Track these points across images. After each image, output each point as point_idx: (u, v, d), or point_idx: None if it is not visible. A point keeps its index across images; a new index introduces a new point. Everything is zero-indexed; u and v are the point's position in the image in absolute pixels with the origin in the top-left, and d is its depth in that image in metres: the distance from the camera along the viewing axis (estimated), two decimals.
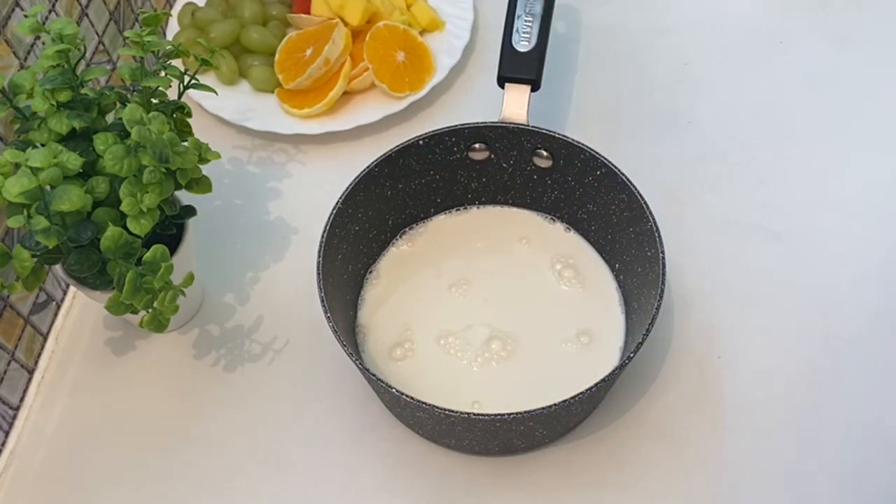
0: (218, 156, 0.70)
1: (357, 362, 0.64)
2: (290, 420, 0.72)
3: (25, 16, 0.66)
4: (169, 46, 0.70)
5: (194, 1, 0.94)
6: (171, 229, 0.70)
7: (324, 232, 0.69)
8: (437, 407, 0.61)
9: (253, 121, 0.86)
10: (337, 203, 0.70)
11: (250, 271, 0.80)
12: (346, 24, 0.89)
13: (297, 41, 0.88)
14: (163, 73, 0.70)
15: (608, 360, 0.71)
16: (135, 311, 0.64)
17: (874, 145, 0.84)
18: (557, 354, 0.72)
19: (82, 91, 0.67)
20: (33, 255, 0.63)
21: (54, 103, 0.65)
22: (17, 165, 0.60)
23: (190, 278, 0.67)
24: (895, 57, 0.90)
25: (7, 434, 0.72)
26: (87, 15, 0.81)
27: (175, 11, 0.94)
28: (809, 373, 0.72)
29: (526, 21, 0.78)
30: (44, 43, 0.74)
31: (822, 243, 0.79)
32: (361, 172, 0.72)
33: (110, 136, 0.64)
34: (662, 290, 0.65)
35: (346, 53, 0.87)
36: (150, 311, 0.64)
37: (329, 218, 0.70)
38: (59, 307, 0.78)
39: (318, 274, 0.67)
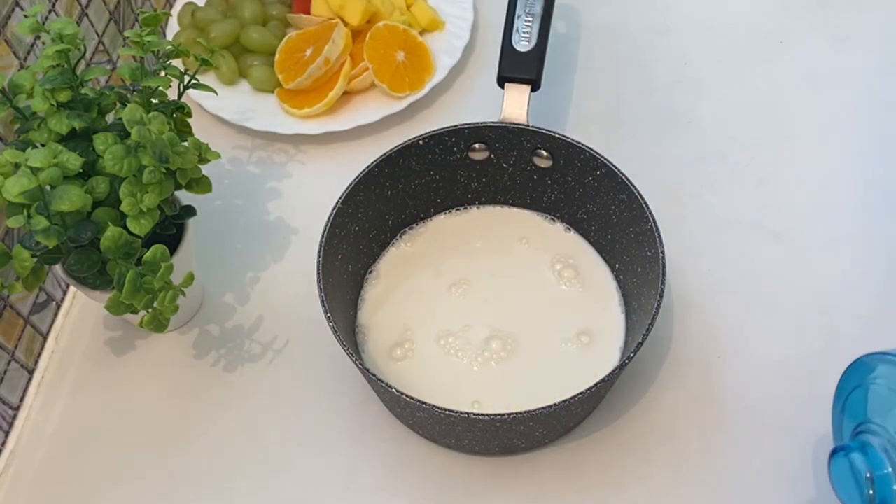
0: (218, 156, 0.70)
1: (357, 362, 0.64)
2: (290, 420, 0.72)
3: (25, 16, 0.66)
4: (169, 46, 0.70)
5: (194, 1, 0.94)
6: (171, 229, 0.70)
7: (324, 232, 0.69)
8: (437, 407, 0.61)
9: (253, 121, 0.87)
10: (337, 203, 0.70)
11: (250, 271, 0.80)
12: (346, 24, 0.89)
13: (297, 41, 0.88)
14: (163, 73, 0.70)
15: (608, 360, 0.71)
16: (135, 311, 0.64)
17: (874, 145, 0.84)
18: (557, 354, 0.72)
19: (82, 91, 0.67)
20: (33, 255, 0.63)
21: (54, 103, 0.65)
22: (17, 165, 0.60)
23: (190, 278, 0.67)
24: (895, 57, 0.90)
25: (7, 434, 0.72)
26: (87, 15, 0.81)
27: (175, 11, 0.94)
28: (809, 373, 0.72)
29: (526, 21, 0.78)
30: (44, 43, 0.74)
31: (822, 243, 0.79)
32: (361, 172, 0.72)
33: (110, 136, 0.64)
34: (662, 290, 0.65)
35: (346, 53, 0.87)
36: (150, 311, 0.64)
37: (329, 218, 0.70)
38: (59, 307, 0.78)
39: (318, 274, 0.67)
